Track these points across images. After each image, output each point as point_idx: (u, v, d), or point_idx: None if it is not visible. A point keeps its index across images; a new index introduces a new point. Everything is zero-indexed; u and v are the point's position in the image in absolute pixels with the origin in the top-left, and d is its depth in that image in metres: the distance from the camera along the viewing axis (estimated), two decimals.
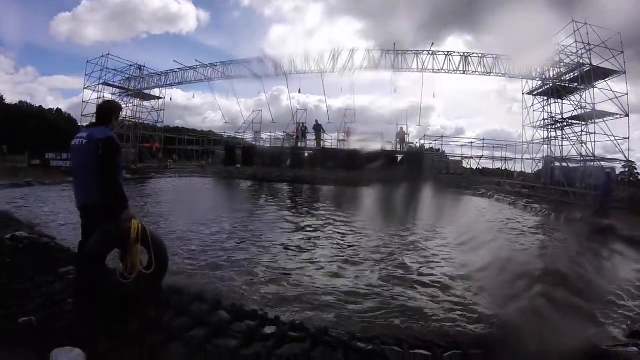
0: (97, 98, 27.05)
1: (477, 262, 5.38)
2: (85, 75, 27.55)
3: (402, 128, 23.35)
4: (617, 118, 17.89)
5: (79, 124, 30.07)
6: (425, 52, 23.23)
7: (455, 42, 75.88)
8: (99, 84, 27.44)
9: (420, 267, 5.38)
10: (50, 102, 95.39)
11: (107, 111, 3.03)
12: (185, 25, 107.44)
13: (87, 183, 2.80)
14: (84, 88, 27.70)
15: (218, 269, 4.85)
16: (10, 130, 39.49)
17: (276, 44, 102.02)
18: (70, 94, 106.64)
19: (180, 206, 10.99)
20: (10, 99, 53.00)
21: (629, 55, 18.18)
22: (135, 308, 2.80)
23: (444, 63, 22.93)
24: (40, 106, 54.24)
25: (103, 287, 2.75)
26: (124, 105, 28.46)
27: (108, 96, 27.99)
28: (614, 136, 17.37)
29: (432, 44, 22.35)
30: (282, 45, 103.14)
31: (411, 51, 23.40)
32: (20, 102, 52.96)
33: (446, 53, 23.15)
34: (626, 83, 17.93)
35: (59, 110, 56.09)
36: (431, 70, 23.12)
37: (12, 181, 15.57)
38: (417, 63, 23.20)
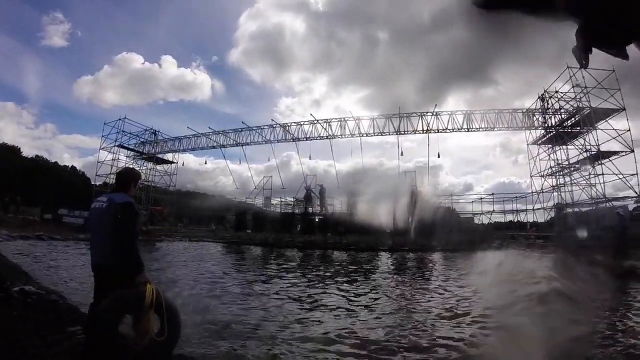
0: (112, 159, 28.12)
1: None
2: (102, 136, 28.63)
3: (413, 189, 23.06)
4: (622, 155, 17.92)
5: (93, 183, 30.96)
6: (429, 114, 23.84)
7: (456, 101, 78.35)
8: (115, 145, 28.42)
9: None
10: (66, 160, 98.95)
11: (126, 178, 3.18)
12: (200, 94, 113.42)
13: (104, 244, 2.86)
14: (100, 149, 28.72)
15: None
16: (25, 183, 40.43)
17: (286, 113, 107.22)
18: (86, 153, 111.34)
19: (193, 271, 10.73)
20: (28, 152, 55.06)
21: (626, 90, 18.57)
22: None
23: (448, 122, 23.48)
24: (56, 162, 55.92)
25: (113, 351, 2.68)
26: (137, 168, 29.39)
27: (123, 158, 29.08)
28: (621, 174, 17.33)
29: (436, 105, 23.07)
30: (292, 114, 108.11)
31: (415, 113, 24.12)
32: (37, 156, 54.70)
33: (449, 112, 23.72)
34: (627, 119, 18.19)
35: (73, 168, 57.78)
36: (436, 131, 23.59)
37: (23, 233, 15.72)
38: (422, 124, 23.85)
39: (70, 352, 3.13)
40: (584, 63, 1.22)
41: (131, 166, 29.31)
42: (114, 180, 3.43)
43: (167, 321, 2.85)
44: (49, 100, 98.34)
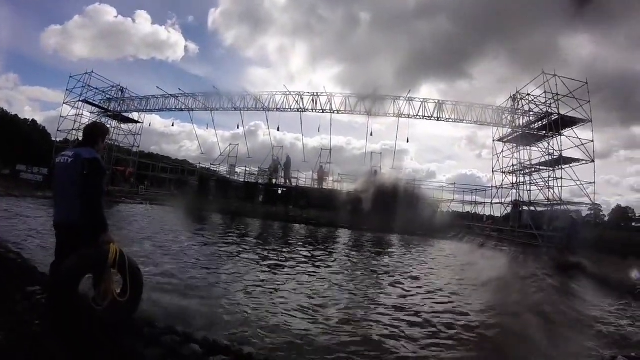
0: (76, 115, 26.97)
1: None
2: (67, 90, 27.30)
3: (375, 170, 23.78)
4: (583, 164, 18.93)
5: (54, 139, 29.45)
6: (402, 98, 24.03)
7: (430, 90, 79.24)
8: (79, 100, 27.20)
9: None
10: (27, 113, 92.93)
11: (95, 132, 3.08)
12: (172, 53, 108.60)
13: (68, 201, 2.79)
14: (64, 103, 27.39)
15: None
16: None
17: (258, 82, 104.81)
18: (48, 107, 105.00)
19: (153, 232, 10.67)
20: None
21: (595, 103, 19.45)
22: (107, 336, 2.73)
23: (420, 109, 23.76)
24: (16, 114, 52.58)
25: (75, 310, 2.66)
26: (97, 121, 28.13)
27: (87, 114, 27.92)
28: (579, 181, 18.38)
29: (409, 90, 23.33)
30: (265, 85, 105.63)
31: (389, 97, 24.28)
32: None
33: (422, 100, 24.03)
34: (592, 131, 18.99)
35: (34, 122, 54.60)
36: (407, 116, 23.87)
37: None
38: (394, 108, 24.01)
39: (29, 312, 3.12)
40: None
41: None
42: (81, 135, 3.29)
43: (130, 281, 2.85)
44: (14, 49, 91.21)
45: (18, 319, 2.98)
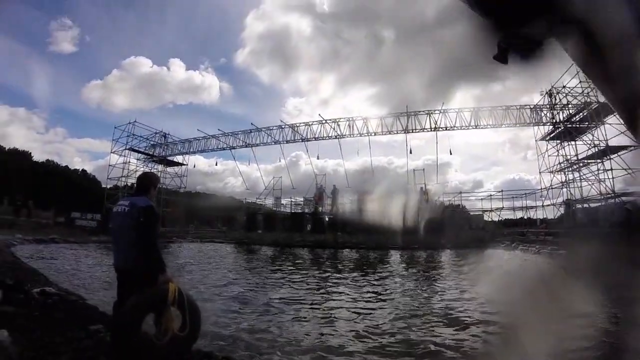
0: (123, 162, 28.59)
1: None
2: (113, 140, 29.01)
3: (422, 187, 23.22)
4: (631, 150, 17.69)
5: (104, 186, 31.36)
6: (436, 112, 23.81)
7: (464, 97, 77.45)
8: (125, 149, 28.78)
9: None
10: (77, 163, 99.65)
11: (147, 182, 3.28)
12: (208, 96, 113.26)
13: (127, 246, 2.97)
14: (111, 152, 29.10)
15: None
16: (37, 187, 41.07)
17: (294, 113, 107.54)
18: (96, 157, 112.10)
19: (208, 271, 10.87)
20: (39, 156, 55.55)
21: None
22: None
23: (456, 120, 23.43)
24: (67, 166, 56.60)
25: (138, 347, 2.79)
26: (148, 171, 29.76)
27: (133, 161, 29.56)
28: (630, 169, 17.15)
29: (443, 103, 22.98)
30: (300, 113, 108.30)
31: (423, 112, 24.11)
32: (48, 160, 55.39)
33: (457, 110, 23.67)
34: None
35: (84, 171, 58.24)
36: (444, 128, 23.58)
37: (37, 236, 16.02)
38: (430, 122, 23.84)
39: (93, 349, 3.28)
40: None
41: (142, 169, 29.80)
42: (135, 184, 3.52)
43: (188, 316, 2.95)
44: (59, 105, 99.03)
45: (84, 356, 3.14)
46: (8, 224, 17.76)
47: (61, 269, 9.26)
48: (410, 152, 24.58)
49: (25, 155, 50.16)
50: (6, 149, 48.57)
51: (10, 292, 4.56)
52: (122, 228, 3.00)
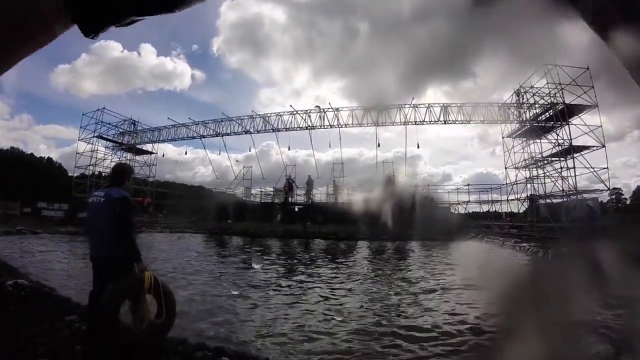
0: (91, 150, 27.80)
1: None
2: (80, 127, 28.17)
3: (389, 177, 23.65)
4: (594, 150, 18.68)
5: (70, 175, 30.36)
6: (407, 106, 24.20)
7: (435, 92, 78.86)
8: (94, 136, 28.02)
9: None
10: (43, 151, 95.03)
11: (121, 173, 3.38)
12: (180, 83, 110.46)
13: (103, 237, 3.05)
14: (79, 140, 28.24)
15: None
16: (1, 176, 39.23)
17: (266, 102, 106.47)
18: (63, 144, 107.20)
19: (178, 259, 10.88)
20: (3, 144, 53.15)
21: (600, 87, 19.18)
22: (146, 356, 2.98)
23: (426, 114, 23.97)
24: (32, 153, 54.20)
25: (115, 335, 2.88)
26: (116, 159, 29.07)
27: (102, 149, 28.78)
28: (593, 168, 18.16)
29: (413, 98, 23.47)
30: (272, 103, 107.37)
31: (394, 106, 24.39)
32: (12, 148, 52.93)
33: (427, 105, 24.12)
34: (599, 115, 18.76)
35: (50, 159, 56.08)
36: (414, 123, 24.06)
37: (4, 228, 15.52)
38: (400, 116, 24.23)
39: (70, 339, 3.36)
40: None
41: (110, 157, 29.04)
42: (108, 175, 3.64)
43: (164, 304, 3.08)
44: (25, 91, 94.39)
45: (62, 345, 3.22)
46: None
47: (31, 260, 9.12)
48: (379, 146, 25.03)
49: None
50: None
51: None
52: (97, 219, 3.09)
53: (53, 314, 4.03)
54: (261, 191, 26.69)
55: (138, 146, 30.38)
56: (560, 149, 19.31)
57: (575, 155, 18.58)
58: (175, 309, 3.27)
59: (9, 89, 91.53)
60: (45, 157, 56.56)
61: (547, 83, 19.51)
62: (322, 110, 25.66)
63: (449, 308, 5.57)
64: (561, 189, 18.94)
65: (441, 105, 23.98)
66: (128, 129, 30.12)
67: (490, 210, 24.38)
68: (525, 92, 21.71)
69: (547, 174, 20.33)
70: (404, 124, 24.18)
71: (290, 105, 25.05)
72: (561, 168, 19.25)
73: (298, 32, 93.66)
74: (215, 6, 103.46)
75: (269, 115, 26.87)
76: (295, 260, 10.96)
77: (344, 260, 11.08)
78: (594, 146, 18.63)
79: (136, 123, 30.34)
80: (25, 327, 3.57)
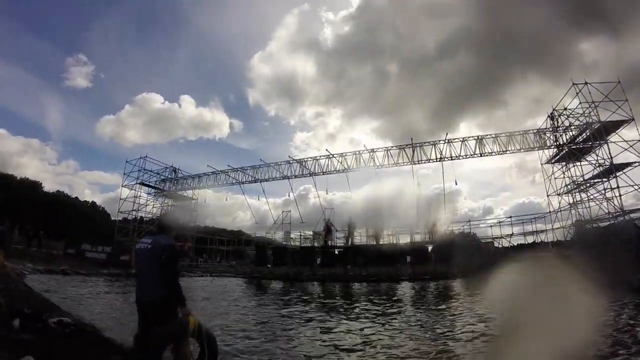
0: (134, 196, 29.19)
1: None
2: (124, 174, 29.67)
3: (429, 217, 22.80)
4: (637, 166, 17.71)
5: (114, 219, 31.68)
6: (441, 142, 24.23)
7: (469, 125, 78.68)
8: (137, 183, 29.43)
9: None
10: (87, 195, 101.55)
11: (168, 222, 3.67)
12: (218, 131, 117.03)
13: (149, 281, 3.19)
14: (122, 186, 29.70)
15: None
16: (47, 217, 41.56)
17: (302, 147, 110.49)
18: (106, 189, 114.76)
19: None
20: (50, 187, 56.67)
21: (633, 99, 18.51)
22: None
23: (461, 149, 23.75)
24: (77, 197, 57.38)
25: None
26: (158, 205, 30.54)
27: (144, 195, 30.22)
28: (637, 185, 17.15)
29: (447, 133, 23.39)
30: (307, 147, 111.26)
31: (428, 143, 24.60)
32: (58, 191, 56.23)
33: (461, 139, 23.99)
34: (637, 128, 18.04)
35: (94, 203, 59.16)
36: (449, 158, 23.84)
37: (48, 267, 16.15)
38: (435, 153, 24.17)
39: None
40: None
41: (152, 203, 30.26)
42: (139, 214, 3.89)
43: (206, 346, 3.15)
44: (72, 138, 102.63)
45: None
46: (19, 253, 17.88)
47: (74, 300, 9.36)
48: (418, 184, 24.84)
49: (36, 186, 51.04)
50: (17, 178, 49.55)
51: (27, 321, 4.65)
52: (145, 264, 3.24)
53: (97, 353, 4.06)
54: (300, 235, 26.67)
55: (179, 192, 31.45)
56: (601, 169, 18.43)
57: (617, 174, 17.67)
58: (217, 352, 3.33)
59: (55, 136, 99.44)
60: (90, 201, 59.79)
61: (580, 103, 19.03)
62: (331, 155, 26.14)
63: None
64: (607, 211, 17.84)
65: (476, 137, 23.78)
66: (169, 176, 31.38)
67: (536, 241, 23.00)
68: (560, 115, 21.13)
69: (591, 197, 19.30)
70: (439, 160, 23.99)
71: (326, 149, 25.49)
72: (604, 189, 18.27)
73: (329, 79, 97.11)
74: (248, 56, 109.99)
75: (305, 160, 27.41)
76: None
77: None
78: (636, 162, 17.71)
79: (177, 170, 31.64)
80: None
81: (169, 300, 3.14)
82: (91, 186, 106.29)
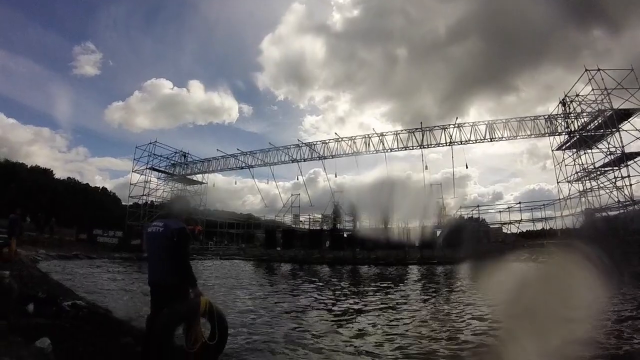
0: (144, 181, 29.43)
1: None
2: (134, 159, 30.01)
3: (438, 202, 23.28)
4: None
5: (124, 204, 32.08)
6: (451, 126, 23.98)
7: (479, 110, 77.56)
8: (147, 168, 29.69)
9: None
10: (98, 181, 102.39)
11: (179, 205, 3.70)
12: (227, 116, 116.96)
13: (161, 264, 3.25)
14: (132, 171, 30.04)
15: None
16: (58, 204, 42.24)
17: (311, 131, 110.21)
18: (117, 175, 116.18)
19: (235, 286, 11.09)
20: (60, 174, 57.38)
21: None
22: None
23: (471, 133, 23.51)
24: (87, 184, 58.12)
25: (169, 358, 3.00)
26: (168, 189, 30.70)
27: (154, 180, 30.42)
28: None
29: (457, 117, 23.05)
30: (316, 131, 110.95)
31: (438, 127, 24.35)
32: (69, 178, 57.02)
33: (471, 124, 23.79)
34: None
35: (104, 189, 59.84)
36: (459, 143, 23.65)
37: (61, 252, 16.49)
38: (445, 137, 23.98)
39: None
40: None
41: (162, 187, 30.58)
42: (150, 198, 3.97)
43: (217, 326, 3.22)
44: (81, 126, 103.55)
45: None
46: (31, 240, 18.28)
47: (86, 283, 9.58)
48: (426, 168, 24.67)
49: (47, 173, 51.76)
50: (28, 166, 50.25)
51: (42, 305, 4.79)
52: (156, 247, 3.30)
53: (109, 335, 4.18)
54: (309, 218, 26.84)
55: (189, 177, 31.70)
56: (612, 157, 18.12)
57: (629, 163, 17.37)
58: (227, 332, 3.43)
59: (65, 124, 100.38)
60: (100, 187, 60.53)
61: (593, 89, 18.58)
62: (340, 139, 25.92)
63: None
64: (617, 200, 17.61)
65: (486, 122, 23.54)
66: (179, 161, 31.67)
67: (545, 228, 22.81)
68: (572, 101, 20.75)
69: (601, 185, 19.04)
70: (449, 145, 23.85)
71: (335, 133, 25.23)
72: (615, 178, 18.00)
73: (338, 62, 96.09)
74: (257, 41, 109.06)
75: (314, 143, 27.41)
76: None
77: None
78: None
79: (187, 155, 31.86)
80: (82, 345, 3.70)
81: (181, 281, 3.21)
82: (101, 172, 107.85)
